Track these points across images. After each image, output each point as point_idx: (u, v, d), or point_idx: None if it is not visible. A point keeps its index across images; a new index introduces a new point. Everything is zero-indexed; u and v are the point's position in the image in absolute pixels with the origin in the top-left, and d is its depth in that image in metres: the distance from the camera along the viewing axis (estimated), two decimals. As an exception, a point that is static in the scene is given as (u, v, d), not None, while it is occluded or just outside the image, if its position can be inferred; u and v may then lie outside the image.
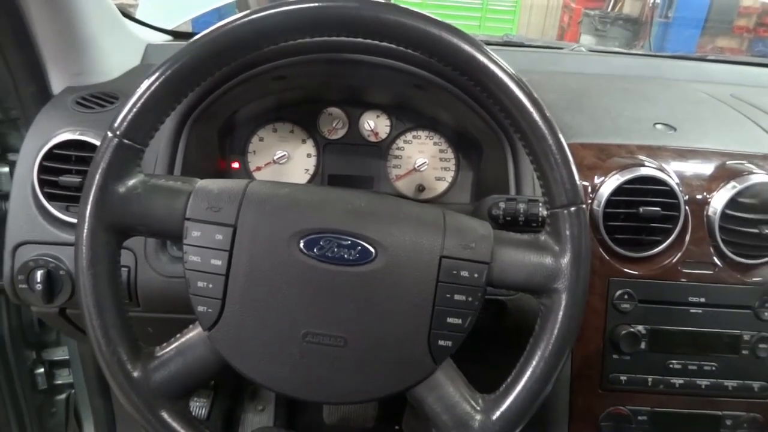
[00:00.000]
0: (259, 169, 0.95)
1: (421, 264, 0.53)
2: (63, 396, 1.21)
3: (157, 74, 0.53)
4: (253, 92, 0.86)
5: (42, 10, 0.81)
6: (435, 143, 0.96)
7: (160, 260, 0.76)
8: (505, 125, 0.79)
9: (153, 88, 0.53)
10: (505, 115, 0.55)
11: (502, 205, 0.70)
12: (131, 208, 0.53)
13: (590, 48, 1.33)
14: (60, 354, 1.17)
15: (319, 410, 1.29)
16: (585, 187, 0.79)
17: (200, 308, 0.53)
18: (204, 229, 0.53)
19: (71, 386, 1.21)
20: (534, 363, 0.54)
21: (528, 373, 0.54)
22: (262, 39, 0.54)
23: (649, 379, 0.81)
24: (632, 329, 0.78)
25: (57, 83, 0.88)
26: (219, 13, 1.48)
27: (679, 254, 0.79)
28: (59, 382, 1.19)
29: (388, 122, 0.96)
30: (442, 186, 0.97)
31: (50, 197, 0.77)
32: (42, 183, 0.76)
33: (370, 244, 0.53)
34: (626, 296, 0.79)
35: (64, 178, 0.75)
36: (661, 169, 0.78)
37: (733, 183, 0.78)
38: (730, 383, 0.81)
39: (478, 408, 0.55)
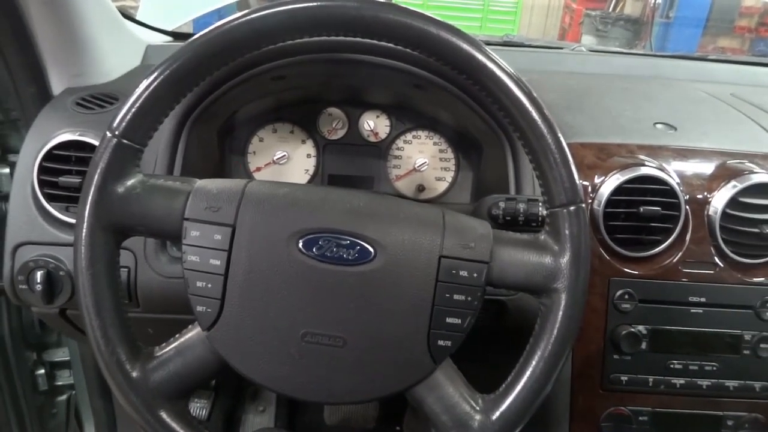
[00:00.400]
0: (258, 169, 0.95)
1: (421, 264, 0.53)
2: (64, 397, 1.21)
3: (155, 74, 0.53)
4: (253, 92, 0.86)
5: (42, 11, 0.81)
6: (435, 143, 0.96)
7: (160, 261, 0.76)
8: (505, 125, 0.79)
9: (152, 88, 0.53)
10: (504, 115, 0.55)
11: (501, 204, 0.70)
12: (130, 208, 0.53)
13: (591, 48, 1.33)
14: (61, 355, 1.17)
15: (320, 411, 1.29)
16: (585, 187, 0.79)
17: (199, 308, 0.53)
18: (203, 229, 0.53)
19: (72, 387, 1.21)
20: (534, 363, 0.53)
21: (528, 373, 0.53)
22: (261, 39, 0.54)
23: (650, 380, 0.81)
24: (633, 329, 0.78)
25: (57, 84, 0.88)
26: (219, 14, 1.48)
27: (680, 254, 0.79)
28: (60, 383, 1.19)
29: (387, 122, 0.96)
30: (442, 186, 0.97)
31: (50, 198, 0.77)
32: (42, 183, 0.76)
33: (369, 244, 0.53)
34: (627, 296, 0.79)
35: (64, 179, 0.75)
36: (662, 169, 0.78)
37: (733, 182, 0.78)
38: (732, 383, 0.81)
39: (478, 408, 0.55)
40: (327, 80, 0.90)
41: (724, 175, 0.79)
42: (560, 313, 0.53)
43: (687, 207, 0.78)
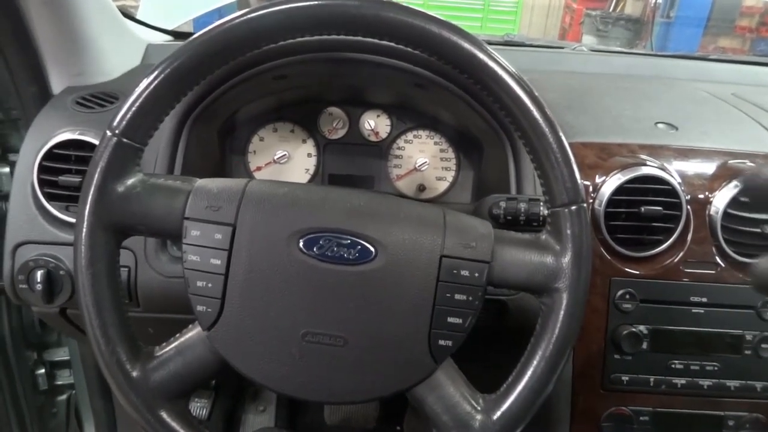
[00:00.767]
0: (259, 168, 0.95)
1: (422, 263, 0.53)
2: (64, 397, 1.21)
3: (155, 73, 0.53)
4: (254, 92, 0.86)
5: (42, 10, 0.81)
6: (436, 143, 0.96)
7: (160, 260, 0.76)
8: (506, 124, 0.79)
9: (152, 86, 0.52)
10: (505, 114, 0.55)
11: (502, 204, 0.70)
12: (130, 207, 0.53)
13: (592, 47, 1.33)
14: (61, 355, 1.17)
15: (321, 411, 1.29)
16: (586, 187, 0.79)
17: (199, 308, 0.53)
18: (203, 228, 0.53)
19: (72, 387, 1.21)
20: (535, 363, 0.53)
21: (529, 373, 0.53)
22: (261, 38, 0.54)
23: (651, 380, 0.81)
24: (634, 329, 0.78)
25: (57, 83, 0.88)
26: (219, 13, 1.48)
27: (681, 254, 0.79)
28: (60, 382, 1.19)
29: (388, 122, 0.96)
30: (442, 185, 0.96)
31: (50, 197, 0.77)
32: (42, 183, 0.76)
33: (370, 244, 0.53)
34: (628, 296, 0.78)
35: (64, 178, 0.75)
36: (663, 169, 0.78)
37: (735, 182, 0.77)
38: (733, 383, 0.81)
39: (479, 408, 0.54)
40: (328, 80, 0.90)
41: (725, 174, 0.79)
42: (561, 312, 0.53)
43: (688, 207, 0.78)
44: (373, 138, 0.96)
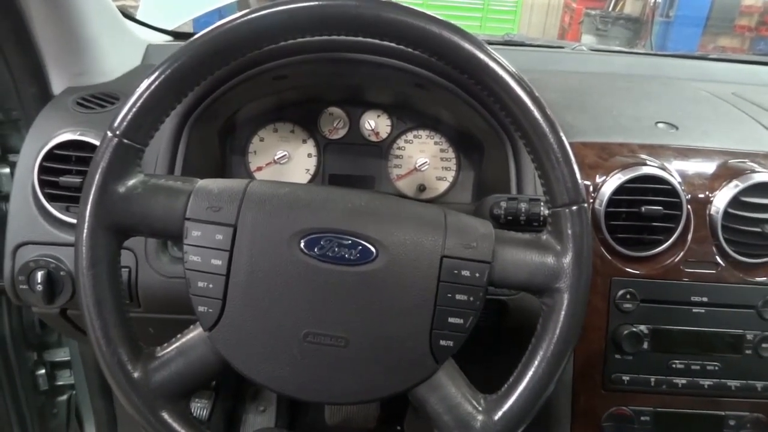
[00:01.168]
0: (259, 169, 0.95)
1: (422, 263, 0.53)
2: (64, 397, 1.21)
3: (156, 73, 0.53)
4: (254, 92, 0.86)
5: (42, 10, 0.81)
6: (436, 143, 0.96)
7: (161, 261, 0.76)
8: (507, 124, 0.79)
9: (153, 87, 0.52)
10: (506, 114, 0.55)
11: (503, 204, 0.70)
12: (131, 208, 0.53)
13: (591, 47, 1.33)
14: (61, 355, 1.17)
15: (321, 411, 1.29)
16: (587, 187, 0.79)
17: (201, 308, 0.53)
18: (204, 228, 0.53)
19: (72, 387, 1.21)
20: (536, 363, 0.53)
21: (530, 374, 0.53)
22: (261, 38, 0.54)
23: (652, 379, 0.81)
24: (634, 329, 0.78)
25: (57, 84, 0.88)
26: (220, 13, 1.48)
27: (682, 253, 0.79)
28: (60, 383, 1.19)
29: (388, 122, 0.96)
30: (443, 186, 0.96)
31: (51, 198, 0.76)
32: (42, 183, 0.76)
33: (371, 244, 0.53)
34: (628, 296, 0.78)
35: (65, 179, 0.75)
36: (663, 168, 0.78)
37: (735, 182, 0.77)
38: (733, 383, 0.81)
39: (480, 408, 0.54)
40: (328, 80, 0.90)
41: (725, 174, 0.79)
42: (562, 313, 0.53)
43: (689, 206, 0.78)
44: (373, 138, 0.96)
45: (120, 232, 0.54)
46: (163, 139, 0.78)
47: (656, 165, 0.78)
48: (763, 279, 0.79)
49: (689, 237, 0.79)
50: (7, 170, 0.99)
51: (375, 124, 0.95)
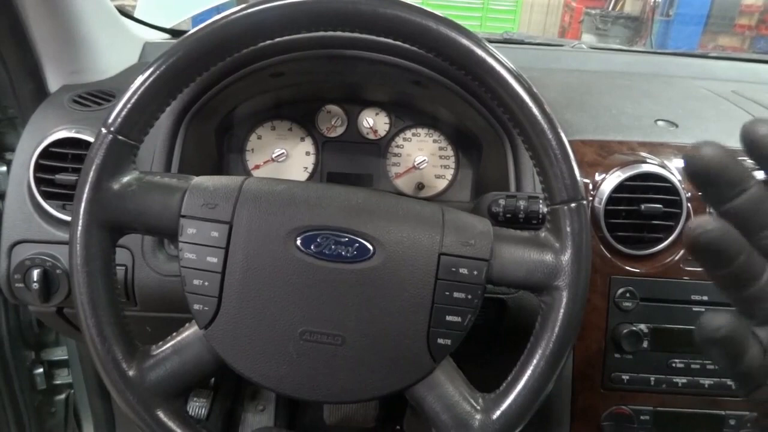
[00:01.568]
0: (257, 167, 0.95)
1: (420, 261, 0.52)
2: (62, 396, 1.21)
3: (151, 70, 0.52)
4: (251, 89, 0.86)
5: (38, 8, 0.81)
6: (434, 141, 0.96)
7: (157, 259, 0.76)
8: (505, 121, 0.79)
9: (147, 83, 0.52)
10: (504, 111, 0.55)
11: (501, 202, 0.69)
12: (126, 205, 0.53)
13: (591, 45, 1.32)
14: (59, 354, 1.17)
15: (320, 410, 1.29)
16: (586, 185, 0.79)
17: (196, 306, 0.53)
18: (199, 226, 0.52)
19: (70, 386, 1.21)
20: (535, 361, 0.53)
21: (528, 372, 0.53)
22: (257, 34, 0.54)
23: (652, 379, 0.80)
24: (634, 328, 0.78)
25: (54, 81, 0.87)
26: (217, 11, 1.47)
27: (681, 252, 0.78)
28: (58, 382, 1.19)
29: (387, 120, 0.95)
30: (441, 184, 0.96)
31: (46, 195, 0.76)
32: (38, 181, 0.76)
33: (368, 241, 0.52)
34: (628, 294, 0.78)
35: (61, 176, 0.74)
36: (663, 166, 0.77)
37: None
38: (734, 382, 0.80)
39: (478, 407, 0.54)
40: (326, 77, 0.89)
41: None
42: (561, 311, 0.52)
43: (688, 204, 0.77)
44: (371, 136, 0.95)
45: (115, 229, 0.53)
46: (159, 136, 0.77)
47: (656, 163, 0.78)
48: (764, 277, 0.79)
49: (689, 235, 0.78)
50: (3, 168, 0.99)
51: (373, 121, 0.94)
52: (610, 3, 5.73)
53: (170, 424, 0.54)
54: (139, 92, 0.52)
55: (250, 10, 0.52)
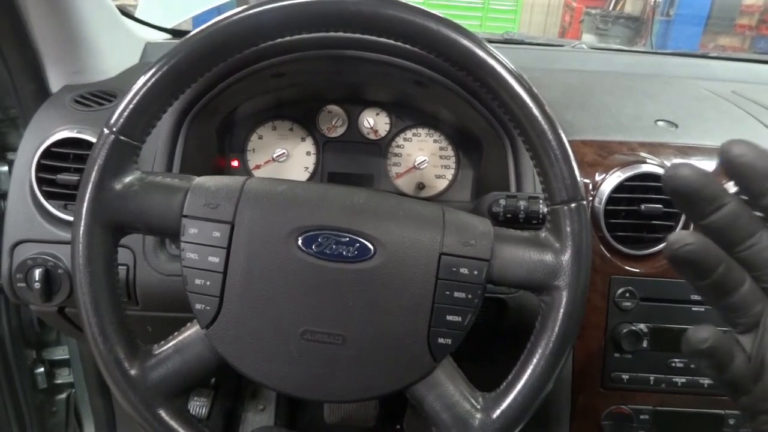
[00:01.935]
0: (258, 167, 0.95)
1: (421, 261, 0.53)
2: (63, 395, 1.21)
3: (153, 70, 0.52)
4: (252, 89, 0.86)
5: (40, 8, 0.81)
6: (435, 141, 0.96)
7: (159, 258, 0.76)
8: (505, 122, 0.79)
9: (149, 84, 0.52)
10: (504, 111, 0.55)
11: (502, 202, 0.69)
12: (128, 205, 0.53)
13: (591, 45, 1.32)
14: (60, 353, 1.17)
15: (320, 410, 1.29)
16: (586, 185, 0.79)
17: (198, 306, 0.53)
18: (201, 226, 0.52)
19: (71, 386, 1.21)
20: (535, 361, 0.53)
21: (528, 372, 0.53)
22: (259, 35, 0.54)
23: (651, 378, 0.80)
24: (634, 327, 0.78)
25: (55, 82, 0.88)
26: (219, 11, 1.48)
27: (681, 252, 0.78)
28: (59, 381, 1.19)
29: (387, 120, 0.95)
30: (442, 184, 0.96)
31: (48, 195, 0.76)
32: (40, 181, 0.76)
33: (368, 241, 0.53)
34: (628, 294, 0.78)
35: (62, 176, 0.75)
36: (663, 166, 0.78)
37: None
38: (733, 382, 0.80)
39: (479, 406, 0.54)
40: (327, 77, 0.90)
41: (725, 172, 0.79)
42: (561, 310, 0.53)
43: (688, 204, 0.78)
44: (372, 136, 0.95)
45: (117, 229, 0.54)
46: (161, 136, 0.78)
47: (656, 163, 0.78)
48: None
49: (689, 235, 0.78)
50: (5, 168, 0.99)
51: (374, 122, 0.95)
52: (610, 3, 5.73)
53: (172, 423, 0.54)
54: (141, 93, 0.52)
55: (251, 11, 0.53)
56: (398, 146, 0.96)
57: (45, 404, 1.18)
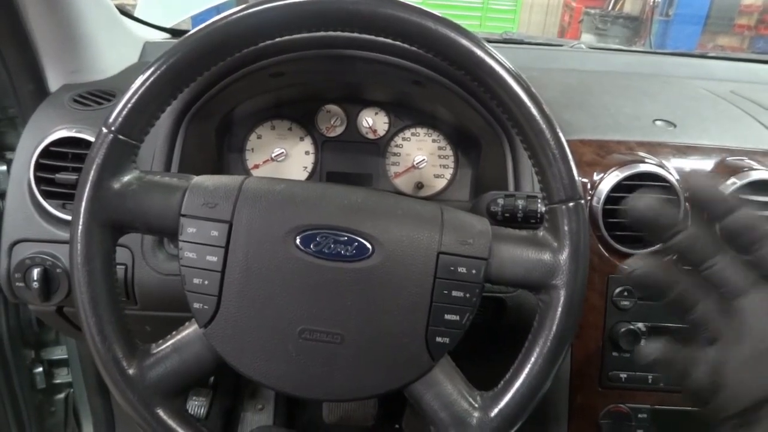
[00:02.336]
0: (257, 166, 0.95)
1: (419, 260, 0.53)
2: (62, 395, 1.21)
3: (152, 69, 0.52)
4: (251, 89, 0.86)
5: (39, 7, 0.81)
6: (434, 140, 0.96)
7: (158, 258, 0.76)
8: (504, 121, 0.79)
9: (148, 83, 0.52)
10: (502, 111, 0.55)
11: (500, 201, 0.70)
12: (126, 204, 0.53)
13: (590, 45, 1.32)
14: (59, 353, 1.17)
15: (319, 409, 1.29)
16: (584, 184, 0.79)
17: (196, 305, 0.53)
18: (199, 225, 0.53)
19: (70, 385, 1.21)
20: (532, 360, 0.53)
21: (526, 370, 0.53)
22: (257, 34, 0.54)
23: (649, 377, 0.81)
24: (632, 326, 0.78)
25: (54, 81, 0.88)
26: (218, 10, 1.48)
27: (680, 251, 0.79)
28: (58, 381, 1.19)
29: (386, 119, 0.95)
30: (440, 183, 0.96)
31: (47, 195, 0.76)
32: (38, 180, 0.76)
33: (367, 240, 0.53)
34: (626, 293, 0.78)
35: (61, 176, 0.75)
36: (661, 166, 0.78)
37: (733, 179, 0.77)
38: (731, 381, 0.80)
39: (476, 405, 0.54)
40: (325, 77, 0.90)
41: (723, 171, 0.79)
42: (559, 309, 0.53)
43: (686, 204, 0.78)
44: (371, 135, 0.96)
45: (115, 228, 0.54)
46: (159, 136, 0.78)
47: (654, 162, 0.78)
48: (761, 277, 0.79)
49: (687, 234, 0.79)
50: (3, 167, 0.99)
51: (372, 121, 0.95)
52: (609, 3, 5.73)
53: (170, 422, 0.54)
54: (139, 92, 0.52)
55: (250, 11, 0.53)
56: (397, 146, 0.96)
57: (44, 404, 1.18)
